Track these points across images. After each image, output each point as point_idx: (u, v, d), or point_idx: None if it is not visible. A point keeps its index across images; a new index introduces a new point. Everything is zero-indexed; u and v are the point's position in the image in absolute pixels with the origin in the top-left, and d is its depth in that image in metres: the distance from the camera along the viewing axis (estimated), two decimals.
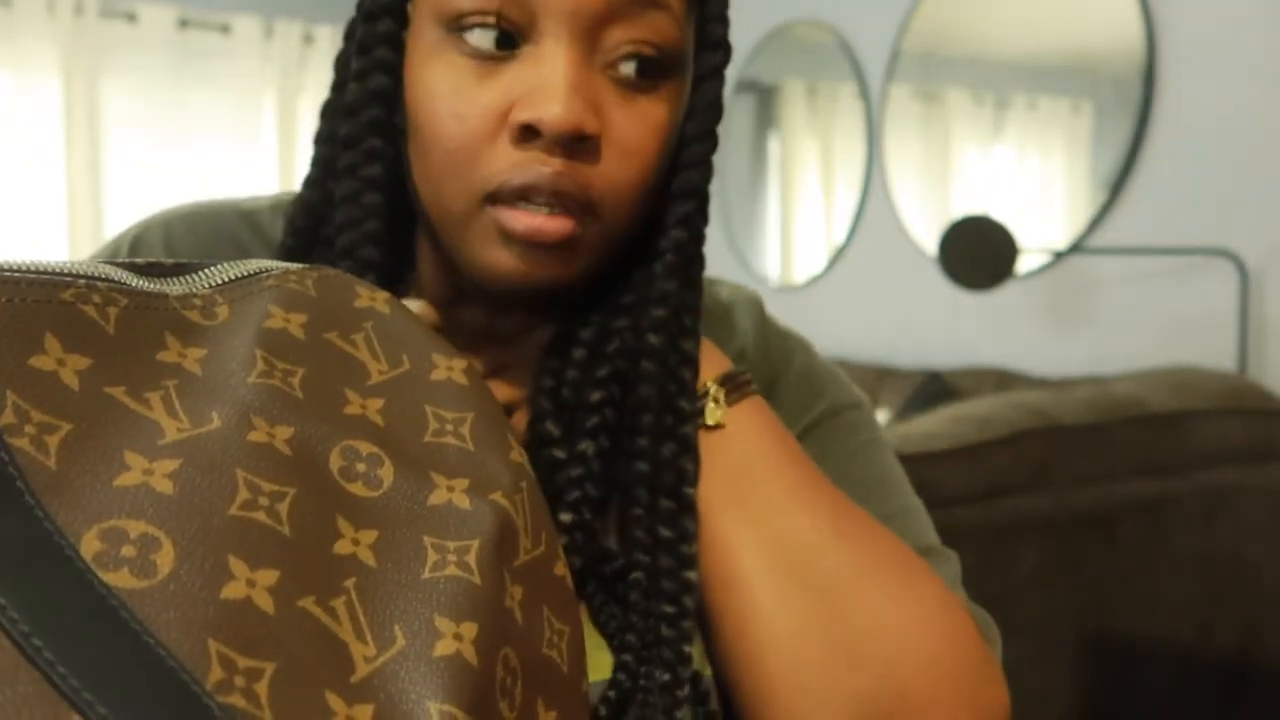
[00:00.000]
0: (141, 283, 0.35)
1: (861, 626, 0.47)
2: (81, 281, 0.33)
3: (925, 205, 2.78)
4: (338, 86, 0.52)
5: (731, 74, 3.41)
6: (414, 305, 0.49)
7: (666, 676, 0.47)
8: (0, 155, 3.39)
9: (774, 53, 3.29)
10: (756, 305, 0.63)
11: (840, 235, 3.06)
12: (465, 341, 0.52)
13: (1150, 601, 1.38)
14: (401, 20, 0.49)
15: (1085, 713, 1.34)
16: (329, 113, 0.53)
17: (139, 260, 0.37)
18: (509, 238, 0.46)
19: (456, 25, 0.45)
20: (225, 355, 0.35)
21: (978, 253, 2.00)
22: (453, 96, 0.46)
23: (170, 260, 0.38)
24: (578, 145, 0.45)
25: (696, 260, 0.52)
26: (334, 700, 0.29)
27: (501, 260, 0.46)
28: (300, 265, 0.41)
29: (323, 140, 0.52)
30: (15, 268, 0.32)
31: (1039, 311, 2.47)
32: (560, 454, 0.50)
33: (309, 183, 0.53)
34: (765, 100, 3.37)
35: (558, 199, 0.45)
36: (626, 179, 0.47)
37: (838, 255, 3.08)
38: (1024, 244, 2.29)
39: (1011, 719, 0.50)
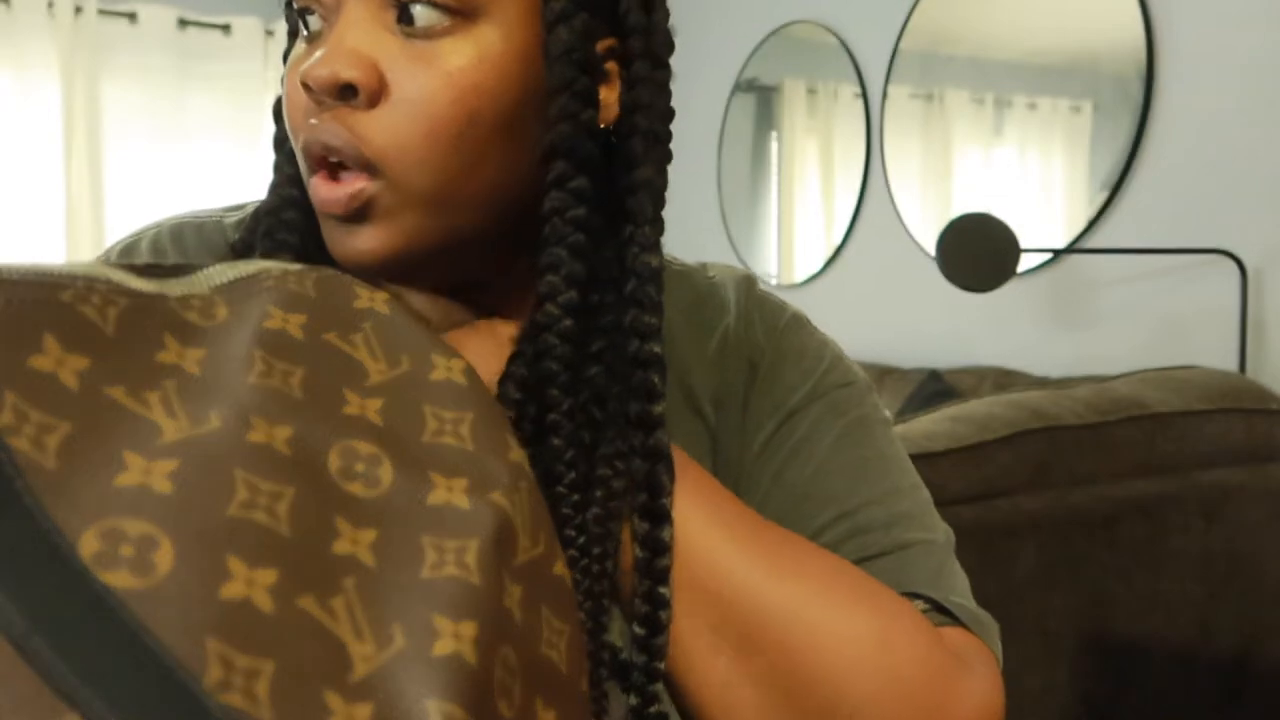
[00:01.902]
0: (140, 284, 0.35)
1: (798, 671, 0.46)
2: (80, 282, 0.33)
3: (925, 205, 2.78)
4: None
5: (731, 74, 3.42)
6: None
7: (635, 700, 0.47)
8: (0, 155, 3.39)
9: (774, 53, 3.29)
10: (745, 281, 0.62)
11: (840, 235, 3.06)
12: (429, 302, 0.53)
13: (1150, 601, 1.38)
14: None
15: (1085, 713, 1.34)
16: None
17: (138, 262, 0.37)
18: (319, 212, 0.48)
19: (299, 20, 0.49)
20: (224, 356, 0.35)
21: (978, 252, 2.00)
22: (286, 80, 0.50)
23: (169, 262, 0.38)
24: (346, 97, 0.46)
25: (609, 245, 0.49)
26: (333, 699, 0.29)
27: (328, 240, 0.49)
28: (299, 266, 0.41)
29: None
30: (14, 269, 0.32)
31: (1039, 311, 2.47)
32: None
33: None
34: (765, 100, 3.37)
35: (329, 152, 0.46)
36: (407, 129, 0.46)
37: (837, 255, 3.08)
38: (1024, 244, 2.29)
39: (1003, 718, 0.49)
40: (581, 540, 0.47)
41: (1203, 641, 1.44)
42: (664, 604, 0.47)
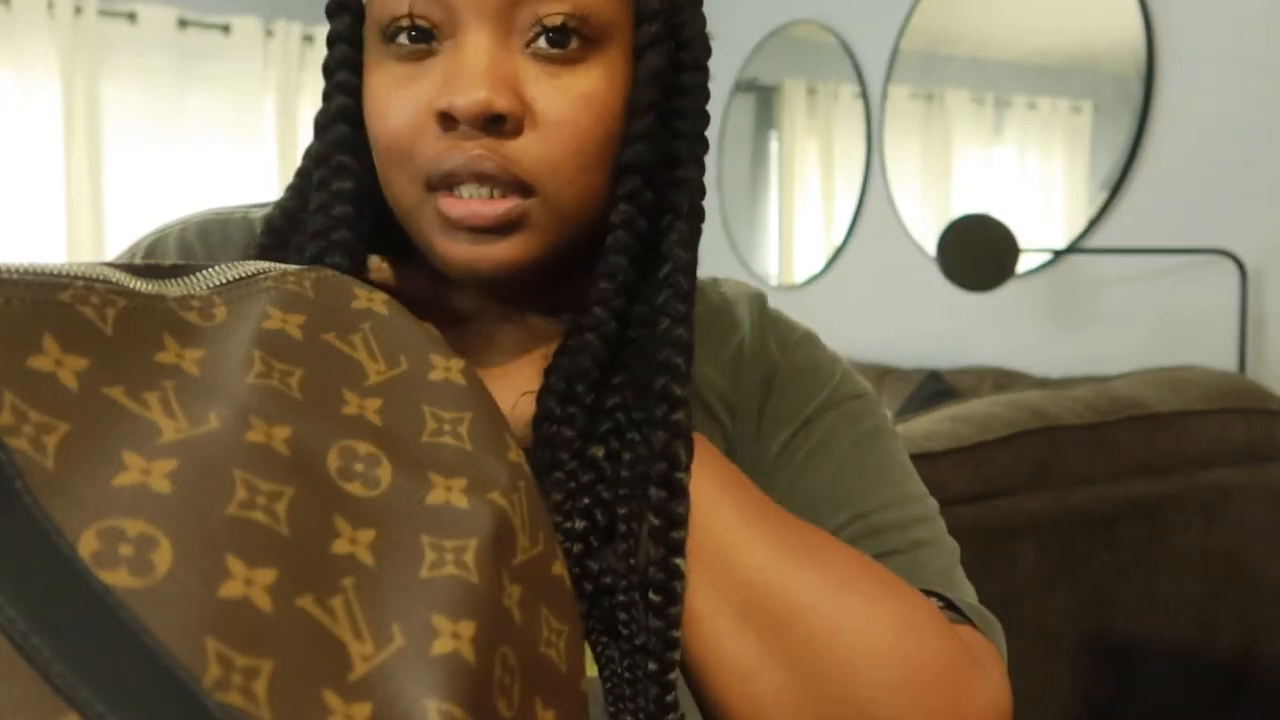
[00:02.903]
0: (139, 284, 0.35)
1: (819, 656, 0.47)
2: (80, 283, 0.33)
3: (925, 205, 2.78)
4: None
5: (731, 74, 3.42)
6: (373, 263, 0.52)
7: (654, 666, 0.47)
8: (0, 155, 3.39)
9: (774, 53, 3.29)
10: (758, 299, 0.63)
11: (840, 235, 3.06)
12: (479, 330, 0.53)
13: (1150, 601, 1.38)
14: (357, 44, 0.52)
15: (1085, 712, 1.34)
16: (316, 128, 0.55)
17: (137, 262, 0.37)
18: (450, 224, 0.48)
19: (387, 33, 0.48)
20: (223, 356, 0.35)
21: (978, 252, 2.00)
22: (386, 97, 0.48)
23: (168, 263, 0.38)
24: (495, 125, 0.46)
25: (680, 233, 0.51)
26: (332, 699, 0.29)
27: (451, 249, 0.48)
28: (298, 267, 0.41)
29: (309, 153, 0.55)
30: (13, 270, 0.32)
31: (1039, 311, 2.47)
32: (566, 457, 0.50)
33: (290, 189, 0.55)
34: (765, 100, 3.37)
35: (483, 180, 0.47)
36: (558, 152, 0.47)
37: (837, 255, 3.08)
38: (1024, 244, 2.29)
39: (1012, 718, 0.50)
40: (581, 526, 0.49)
41: (1203, 641, 1.44)
42: (678, 574, 0.48)
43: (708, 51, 0.52)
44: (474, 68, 0.46)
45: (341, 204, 0.51)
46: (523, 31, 0.47)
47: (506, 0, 0.46)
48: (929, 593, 0.53)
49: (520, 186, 0.47)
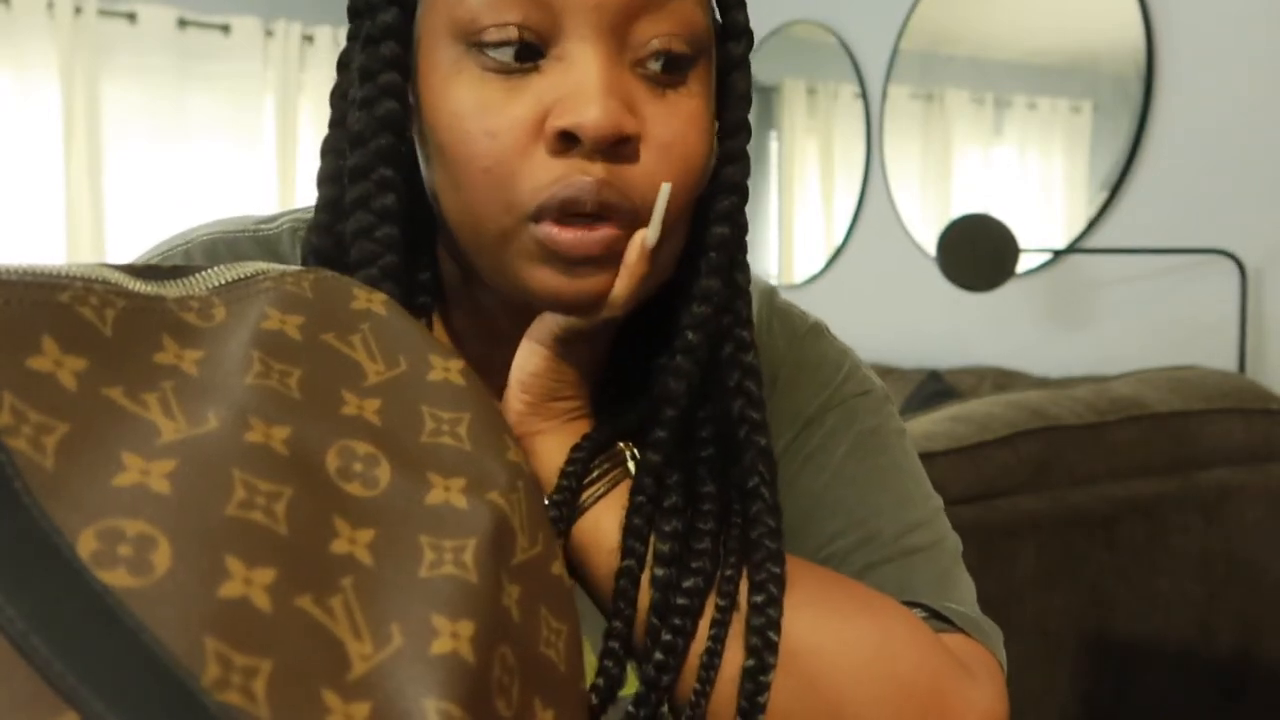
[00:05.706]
0: (138, 285, 0.36)
1: (803, 675, 0.47)
2: (79, 283, 0.33)
3: (925, 205, 2.78)
4: (336, 122, 0.49)
5: None
6: None
7: (756, 640, 0.47)
8: (0, 155, 3.39)
9: (774, 53, 3.29)
10: (767, 293, 0.62)
11: (840, 235, 3.06)
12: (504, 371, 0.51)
13: (1150, 601, 1.38)
14: (406, 42, 0.47)
15: (1085, 713, 1.34)
16: (329, 150, 0.49)
17: (135, 264, 0.37)
18: (553, 255, 0.44)
19: (476, 39, 0.44)
20: (222, 357, 0.35)
21: (978, 252, 2.00)
22: (482, 113, 0.44)
23: (167, 264, 0.38)
24: (618, 149, 0.43)
25: (741, 263, 0.51)
26: (331, 698, 0.29)
27: (546, 278, 0.45)
28: (297, 268, 0.41)
29: (326, 180, 0.49)
30: (12, 270, 0.32)
31: (1039, 311, 2.47)
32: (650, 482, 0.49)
33: (317, 227, 0.50)
34: (765, 100, 3.37)
35: (603, 209, 0.43)
36: (669, 176, 0.45)
37: (837, 255, 3.08)
38: (1024, 244, 2.29)
39: None
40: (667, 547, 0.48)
41: (1203, 641, 1.44)
42: (775, 649, 0.47)
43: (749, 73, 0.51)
44: (594, 85, 0.42)
45: (386, 225, 0.46)
46: (635, 49, 0.44)
47: (624, 14, 0.43)
48: (917, 604, 0.52)
49: (631, 214, 0.44)
